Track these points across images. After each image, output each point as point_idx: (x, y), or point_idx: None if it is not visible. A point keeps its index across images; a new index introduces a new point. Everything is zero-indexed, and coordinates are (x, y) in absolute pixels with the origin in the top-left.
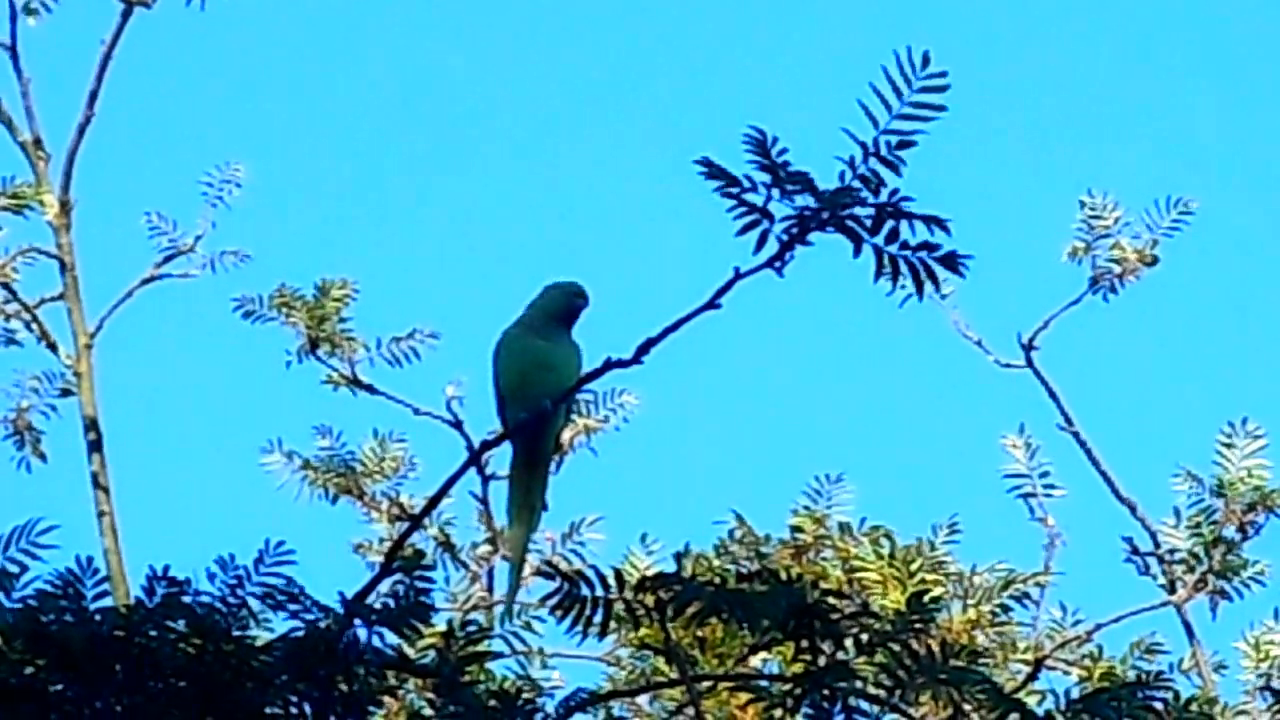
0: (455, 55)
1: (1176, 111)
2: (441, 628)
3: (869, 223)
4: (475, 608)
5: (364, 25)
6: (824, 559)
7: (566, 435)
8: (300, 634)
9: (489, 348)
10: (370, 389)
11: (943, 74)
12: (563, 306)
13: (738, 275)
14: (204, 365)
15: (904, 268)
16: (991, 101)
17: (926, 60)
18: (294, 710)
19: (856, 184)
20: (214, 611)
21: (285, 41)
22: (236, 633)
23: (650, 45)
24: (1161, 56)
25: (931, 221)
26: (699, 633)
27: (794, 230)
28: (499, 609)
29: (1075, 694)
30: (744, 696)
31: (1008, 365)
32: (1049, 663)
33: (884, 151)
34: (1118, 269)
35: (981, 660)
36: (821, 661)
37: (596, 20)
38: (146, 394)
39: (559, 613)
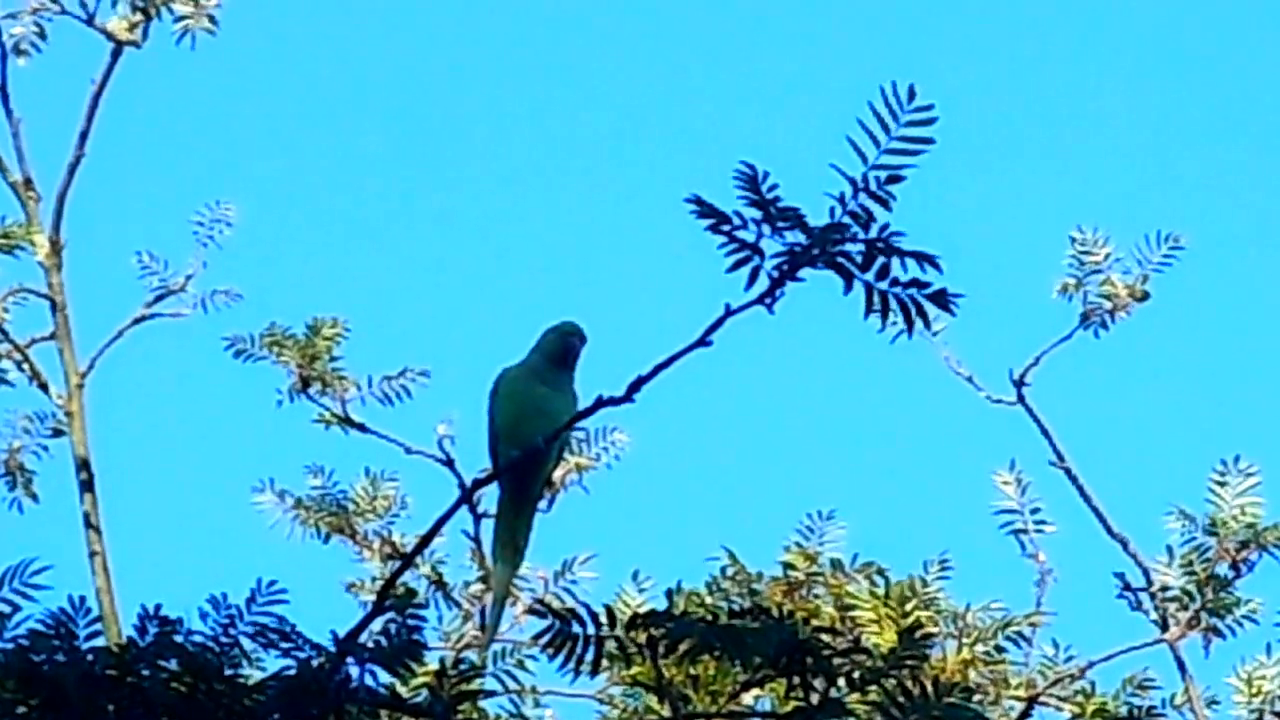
0: (446, 94)
1: (1167, 146)
2: (434, 666)
3: (859, 259)
4: (468, 646)
5: (354, 65)
6: (816, 596)
7: (558, 473)
8: (292, 673)
9: (480, 386)
10: (362, 428)
11: (929, 107)
12: (559, 347)
13: (729, 312)
14: (195, 404)
15: (894, 305)
16: (981, 136)
17: (913, 94)
18: None
19: (847, 220)
20: (206, 650)
21: (276, 81)
22: (229, 672)
23: (641, 83)
24: (1152, 91)
25: (922, 259)
26: (691, 670)
27: (785, 267)
28: (484, 646)
29: None
30: None
31: (999, 401)
32: (1042, 699)
33: (873, 187)
34: (1108, 305)
35: (975, 697)
36: (814, 699)
37: (587, 58)
38: (138, 433)
39: (551, 651)
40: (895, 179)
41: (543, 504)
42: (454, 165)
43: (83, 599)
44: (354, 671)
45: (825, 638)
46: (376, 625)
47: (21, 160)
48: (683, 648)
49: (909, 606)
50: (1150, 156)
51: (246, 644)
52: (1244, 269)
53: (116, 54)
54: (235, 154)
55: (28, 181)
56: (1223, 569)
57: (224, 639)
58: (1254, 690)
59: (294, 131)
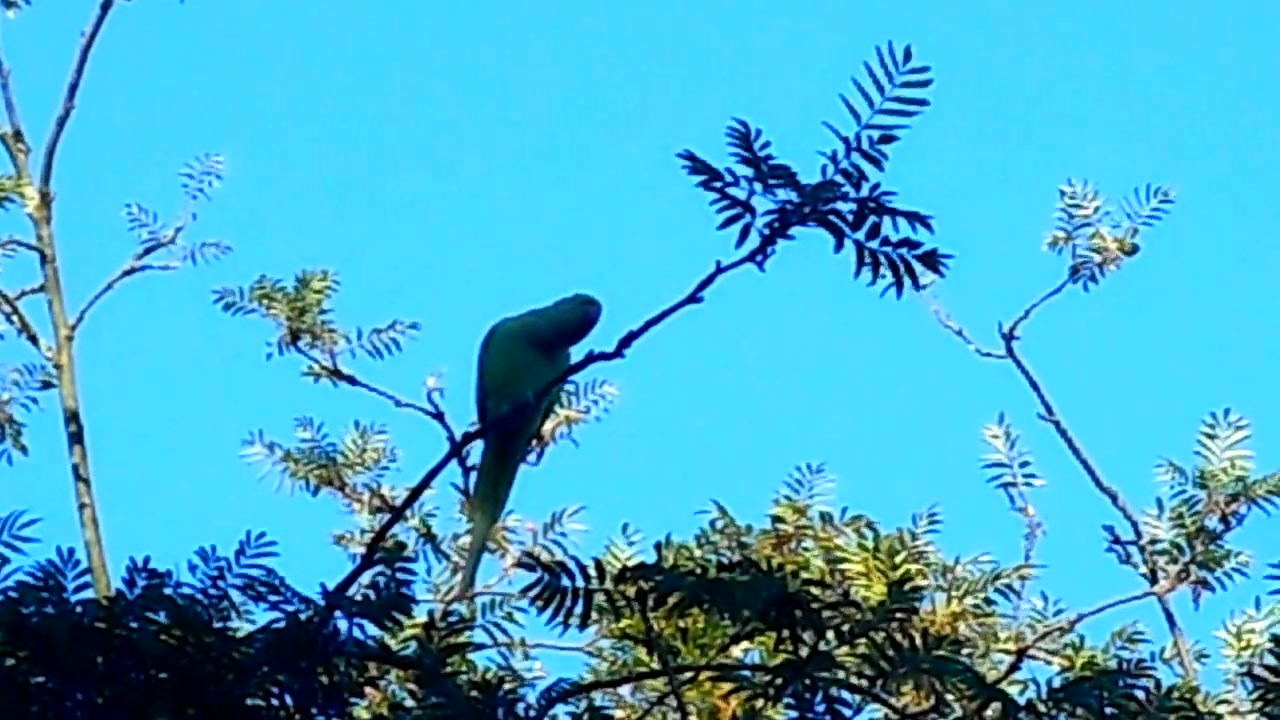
0: (436, 47)
1: (1156, 100)
2: (423, 619)
3: (850, 218)
4: (457, 599)
5: (346, 16)
6: (805, 549)
7: (548, 426)
8: (281, 625)
9: (471, 339)
10: (351, 380)
11: (925, 69)
12: (578, 316)
13: (719, 269)
14: (185, 357)
15: (884, 264)
16: (972, 91)
17: (909, 55)
18: (275, 701)
19: (838, 179)
20: (195, 603)
21: (266, 33)
22: (217, 624)
23: (632, 39)
24: (1140, 44)
25: (913, 218)
26: (680, 623)
27: (776, 224)
28: (480, 600)
29: (1057, 683)
30: (726, 687)
31: (988, 355)
32: (1031, 653)
33: (866, 146)
34: (1098, 258)
35: (964, 650)
36: (803, 651)
37: (579, 13)
38: (127, 386)
39: (540, 604)
40: (888, 139)
41: (531, 457)
42: (444, 116)
43: (71, 551)
44: (343, 624)
45: (814, 591)
46: (365, 578)
47: (11, 112)
48: (672, 601)
49: (898, 560)
50: (1139, 109)
51: (235, 596)
52: (1233, 222)
53: (106, 6)
54: (225, 106)
55: (17, 134)
56: (1212, 522)
57: (213, 591)
58: (1243, 644)
59: (284, 84)
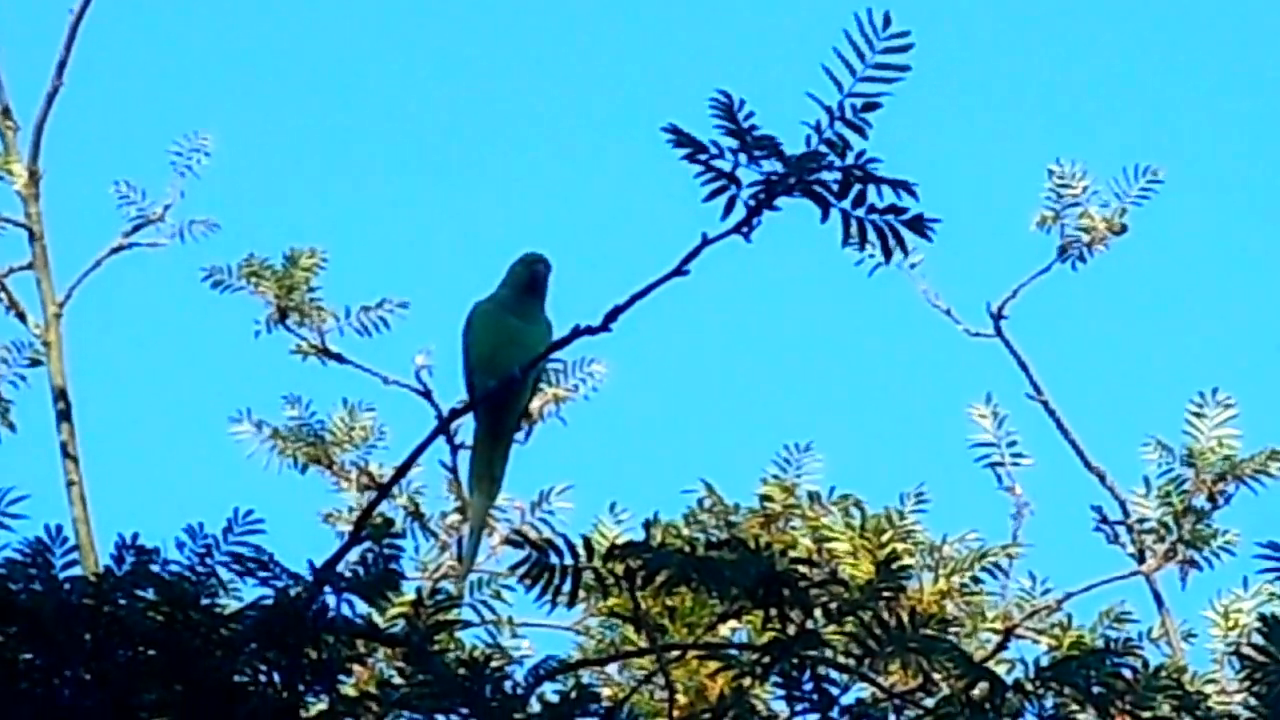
0: (423, 24)
1: (1144, 78)
2: (411, 596)
3: (836, 187)
4: (444, 576)
5: None
6: (793, 528)
7: (535, 404)
8: (269, 602)
9: (458, 317)
10: (339, 358)
11: (905, 34)
12: (525, 277)
13: (705, 241)
14: (173, 335)
15: (871, 232)
16: (957, 68)
17: (888, 21)
18: (263, 678)
19: (823, 148)
20: (183, 580)
21: (253, 10)
22: (205, 601)
23: (614, 12)
24: (1129, 21)
25: (898, 186)
26: (668, 601)
27: (761, 195)
28: (461, 576)
29: (1044, 662)
30: (713, 665)
31: (976, 334)
32: (1018, 632)
33: (849, 115)
34: (1086, 238)
35: (951, 629)
36: (790, 630)
37: None
38: (115, 363)
39: (528, 581)
40: (871, 106)
41: (520, 435)
42: (431, 95)
43: (59, 528)
44: (331, 601)
45: (802, 569)
46: (353, 555)
47: None
48: (660, 579)
49: (885, 538)
50: (1128, 88)
51: (224, 573)
52: (1222, 202)
53: None
54: (213, 84)
55: (5, 111)
56: (1200, 501)
57: (201, 568)
58: (1230, 623)
59: (272, 61)
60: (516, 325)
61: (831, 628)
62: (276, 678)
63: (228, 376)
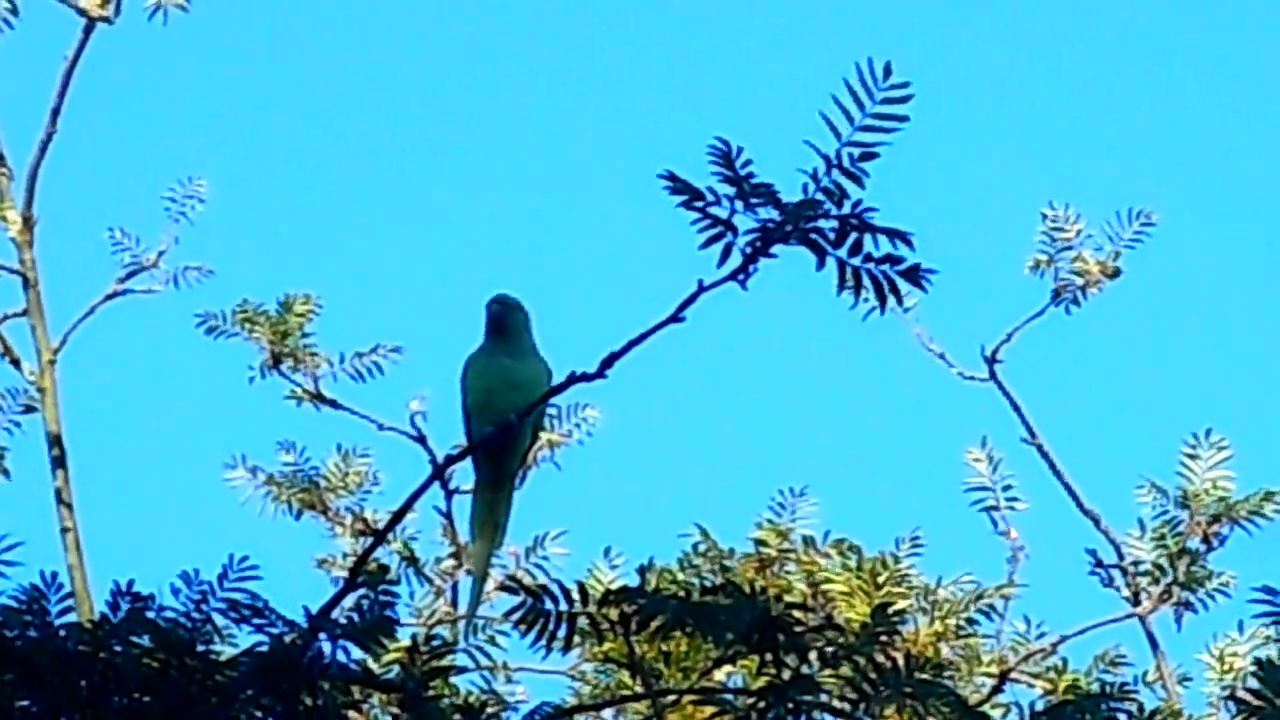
0: (419, 67)
1: (1138, 122)
2: (406, 642)
3: (832, 235)
4: (440, 622)
5: (327, 40)
6: (788, 572)
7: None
8: (265, 649)
9: (454, 363)
10: (334, 404)
11: (905, 84)
12: (487, 320)
13: (701, 288)
14: (167, 381)
15: (867, 281)
16: (953, 113)
17: (888, 71)
18: None
19: (820, 196)
20: (178, 626)
21: (248, 58)
22: (201, 648)
23: (615, 58)
24: (1122, 67)
25: (895, 235)
26: (663, 647)
27: (758, 243)
28: (463, 624)
29: (1040, 706)
30: (708, 710)
31: (970, 378)
32: (1013, 675)
33: (847, 164)
34: (1080, 281)
35: (946, 673)
36: (786, 675)
37: (560, 34)
38: (110, 410)
39: (523, 627)
40: (869, 156)
41: (516, 482)
42: (427, 141)
43: (55, 575)
44: (326, 647)
45: (797, 614)
46: (349, 601)
47: None
48: (655, 624)
49: (881, 582)
50: (1121, 132)
51: (219, 620)
52: (1215, 245)
53: (89, 29)
54: (208, 131)
55: None
56: (1194, 543)
57: (196, 615)
58: (1226, 667)
59: (266, 108)
60: (508, 365)
61: (827, 672)
62: None
63: (222, 422)
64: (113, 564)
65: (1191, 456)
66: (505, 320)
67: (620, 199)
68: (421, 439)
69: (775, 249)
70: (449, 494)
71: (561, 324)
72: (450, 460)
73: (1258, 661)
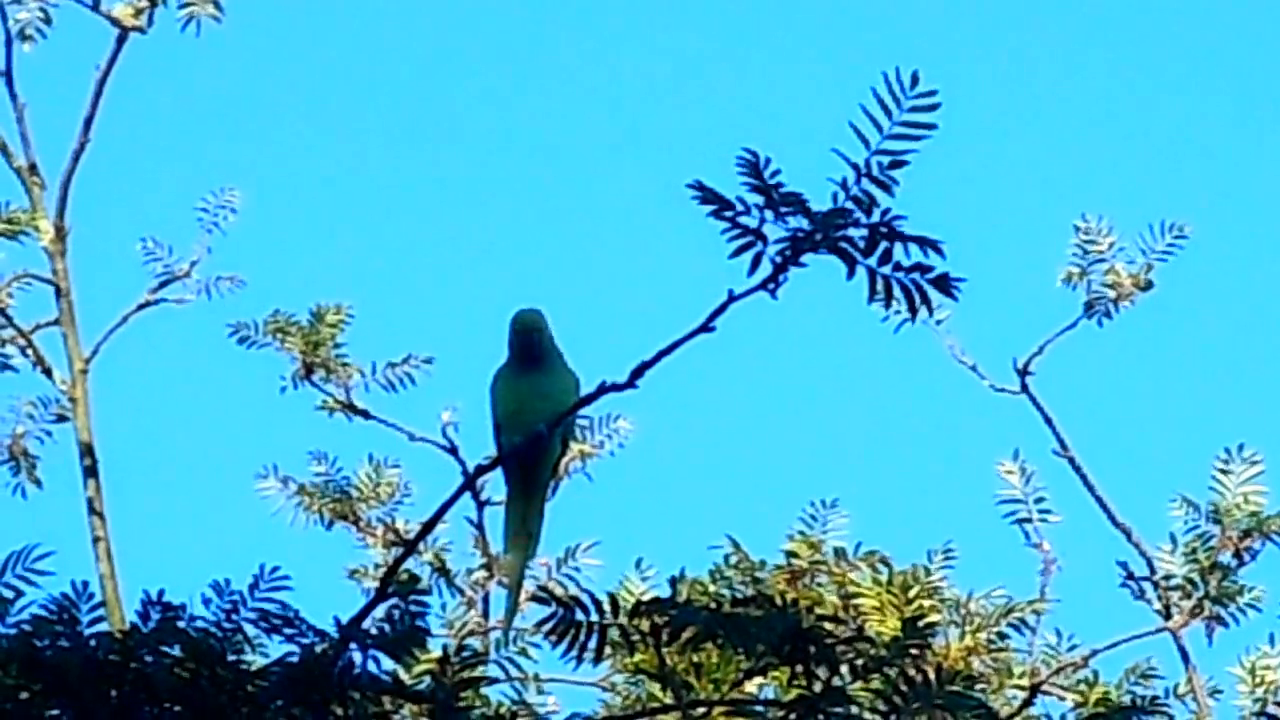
0: (450, 79)
1: (1172, 135)
2: (437, 653)
3: (862, 244)
4: (470, 633)
5: (358, 50)
6: (819, 584)
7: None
8: (295, 659)
9: (484, 373)
10: (365, 414)
11: (932, 93)
12: (516, 349)
13: (732, 298)
14: (199, 391)
15: (897, 289)
16: (985, 125)
17: (916, 80)
18: None
19: (849, 205)
20: (209, 636)
21: (280, 67)
22: (232, 657)
23: (645, 70)
24: (1157, 80)
25: (925, 244)
26: (694, 658)
27: (787, 252)
28: (494, 634)
29: (1071, 719)
30: None
31: (1003, 390)
32: (1045, 688)
33: (876, 172)
34: (1112, 294)
35: (977, 686)
36: (817, 687)
37: (590, 45)
38: (141, 419)
39: (554, 638)
40: (898, 164)
41: (548, 492)
42: (459, 150)
43: (86, 584)
44: (357, 658)
45: (828, 626)
46: (379, 612)
47: (26, 146)
48: (686, 635)
49: (912, 594)
50: (1154, 145)
51: (250, 630)
52: (1248, 258)
53: (121, 40)
54: (240, 140)
55: (32, 167)
56: (1226, 557)
57: (227, 625)
58: (1257, 680)
59: (299, 118)
60: (537, 377)
61: (858, 684)
62: None
63: (253, 432)
64: (144, 574)
65: (1224, 471)
66: (534, 348)
67: (651, 209)
68: (453, 449)
69: (805, 258)
70: (480, 505)
71: (592, 334)
72: (481, 470)
73: None
